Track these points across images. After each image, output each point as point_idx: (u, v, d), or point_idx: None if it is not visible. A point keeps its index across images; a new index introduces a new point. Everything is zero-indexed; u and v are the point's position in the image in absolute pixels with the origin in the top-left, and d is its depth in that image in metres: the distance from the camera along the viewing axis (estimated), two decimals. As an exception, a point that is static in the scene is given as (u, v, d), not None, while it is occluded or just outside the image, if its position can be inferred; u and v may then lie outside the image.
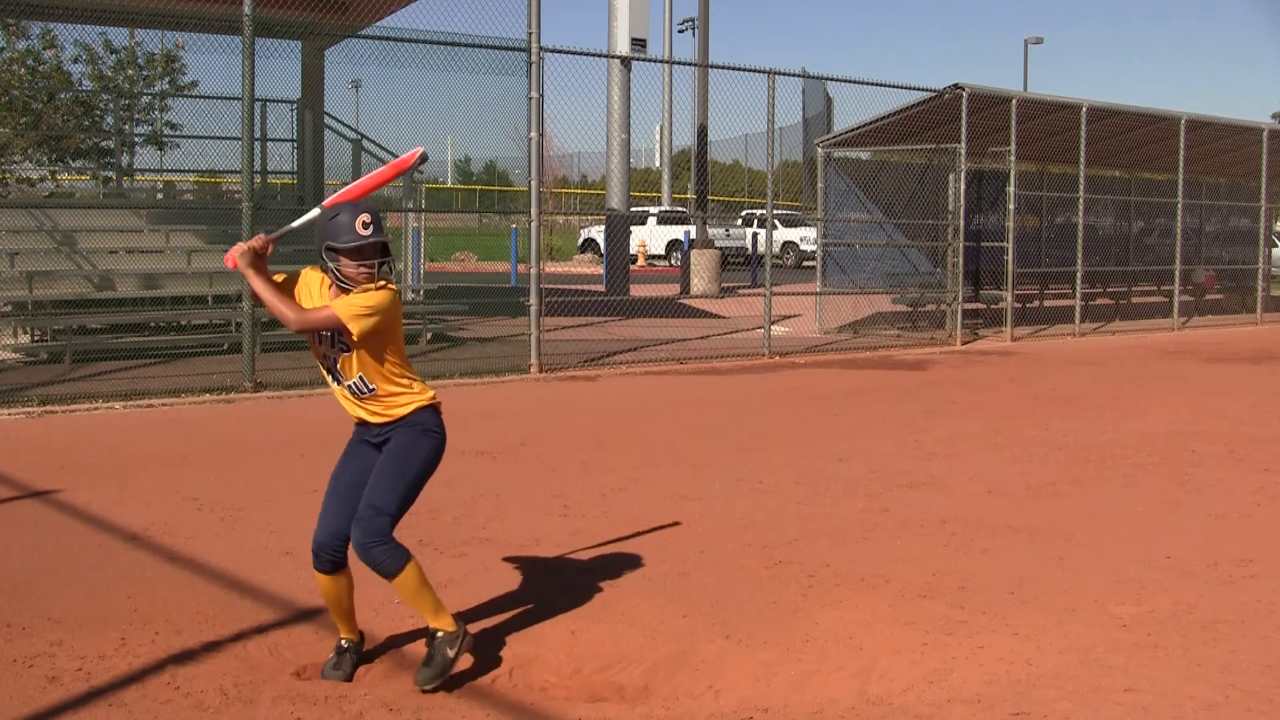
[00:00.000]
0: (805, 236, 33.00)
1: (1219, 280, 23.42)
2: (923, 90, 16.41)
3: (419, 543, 5.31)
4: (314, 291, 4.12)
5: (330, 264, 4.00)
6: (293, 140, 16.36)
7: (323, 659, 4.26)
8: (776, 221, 25.39)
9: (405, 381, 4.14)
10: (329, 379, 4.18)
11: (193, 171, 18.33)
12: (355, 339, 3.98)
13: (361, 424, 4.19)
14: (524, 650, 4.42)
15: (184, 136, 17.51)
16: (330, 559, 4.10)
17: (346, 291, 4.00)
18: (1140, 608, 4.95)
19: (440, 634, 4.07)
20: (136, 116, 18.07)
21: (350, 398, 4.14)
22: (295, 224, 4.31)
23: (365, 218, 3.97)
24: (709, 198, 31.26)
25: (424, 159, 4.35)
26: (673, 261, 32.15)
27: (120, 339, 12.46)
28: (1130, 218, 23.04)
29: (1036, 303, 20.29)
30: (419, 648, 4.43)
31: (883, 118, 16.62)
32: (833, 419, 10.10)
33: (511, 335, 14.62)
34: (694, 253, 22.63)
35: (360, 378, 4.08)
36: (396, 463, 4.09)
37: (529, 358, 12.31)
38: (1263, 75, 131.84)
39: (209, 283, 13.44)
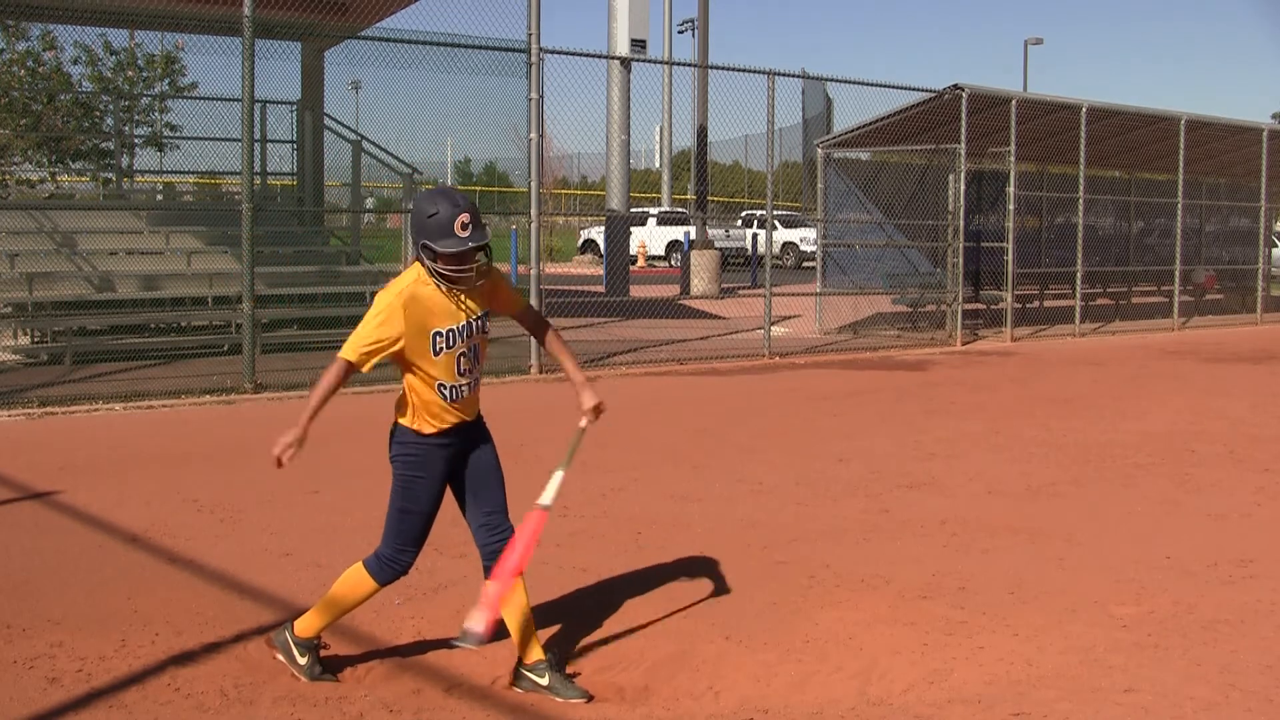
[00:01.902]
0: (805, 237, 32.97)
1: (1219, 280, 23.42)
2: (922, 91, 16.40)
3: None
4: (434, 306, 3.83)
5: (429, 261, 3.78)
6: (293, 141, 16.35)
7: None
8: (776, 222, 25.36)
9: None
10: (449, 391, 3.89)
11: (193, 173, 18.33)
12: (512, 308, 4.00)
13: (451, 432, 3.96)
14: (524, 651, 4.42)
15: (184, 138, 17.51)
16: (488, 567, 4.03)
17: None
18: (1140, 608, 4.95)
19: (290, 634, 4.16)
20: (136, 118, 18.08)
21: (469, 394, 3.97)
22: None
23: (465, 218, 3.73)
24: (709, 198, 31.26)
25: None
26: (672, 262, 32.14)
27: (120, 340, 12.46)
28: (1130, 218, 23.03)
29: (1036, 303, 20.28)
30: (419, 649, 4.44)
31: (882, 118, 16.61)
32: (833, 419, 10.10)
33: (511, 336, 14.55)
34: (694, 253, 22.63)
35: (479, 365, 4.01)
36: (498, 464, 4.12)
37: (529, 358, 12.32)
38: (1263, 75, 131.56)
39: (209, 284, 13.44)
